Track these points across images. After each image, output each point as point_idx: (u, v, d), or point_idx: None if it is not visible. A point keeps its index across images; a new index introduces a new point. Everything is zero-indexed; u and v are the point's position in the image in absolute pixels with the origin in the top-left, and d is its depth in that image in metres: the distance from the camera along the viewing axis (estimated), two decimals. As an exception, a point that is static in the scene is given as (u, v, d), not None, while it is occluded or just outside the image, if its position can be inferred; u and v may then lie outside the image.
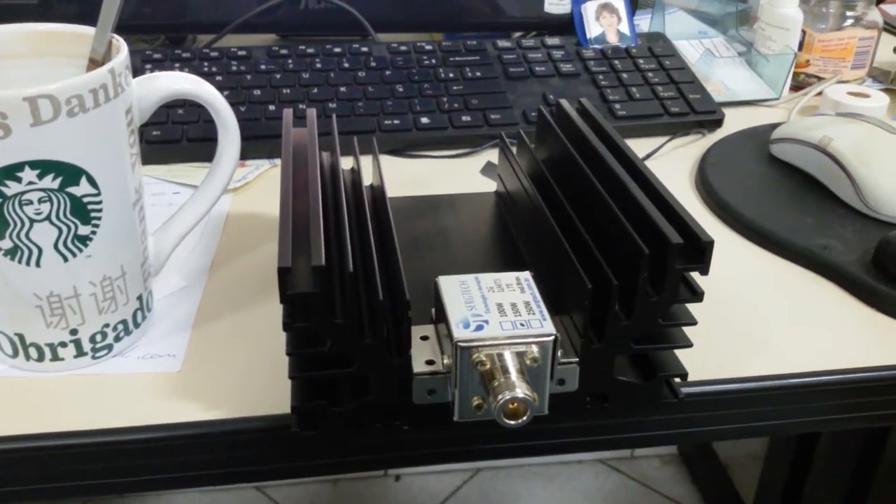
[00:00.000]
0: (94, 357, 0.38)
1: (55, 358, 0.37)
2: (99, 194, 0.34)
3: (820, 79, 0.73)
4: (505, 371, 0.32)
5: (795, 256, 0.48)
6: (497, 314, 0.34)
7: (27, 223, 0.33)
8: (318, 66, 0.65)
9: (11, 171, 0.32)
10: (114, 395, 0.37)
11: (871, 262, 0.46)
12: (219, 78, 0.62)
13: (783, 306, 0.44)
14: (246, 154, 0.58)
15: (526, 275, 0.36)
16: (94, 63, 0.36)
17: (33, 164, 0.32)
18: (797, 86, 0.73)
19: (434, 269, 0.41)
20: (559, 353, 0.34)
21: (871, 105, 0.64)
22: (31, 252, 0.34)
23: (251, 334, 0.41)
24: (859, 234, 0.49)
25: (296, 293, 0.31)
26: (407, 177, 0.58)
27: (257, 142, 0.58)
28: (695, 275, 0.35)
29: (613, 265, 0.34)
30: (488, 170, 0.59)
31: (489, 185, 0.57)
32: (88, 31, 0.37)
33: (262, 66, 0.64)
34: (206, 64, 0.64)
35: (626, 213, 0.36)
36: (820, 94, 0.69)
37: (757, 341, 0.41)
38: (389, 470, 1.25)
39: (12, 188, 0.32)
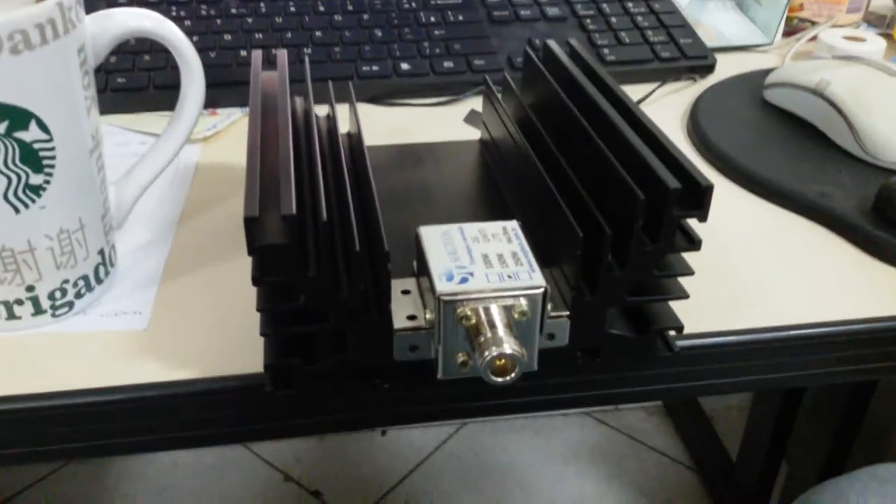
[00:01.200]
0: (53, 315, 0.36)
1: (11, 316, 0.35)
2: (51, 140, 0.31)
3: (814, 23, 0.70)
4: (492, 325, 0.30)
5: (792, 204, 0.46)
6: (483, 266, 0.31)
7: (-28, 172, 0.31)
8: (292, 9, 0.61)
9: (-49, 115, 0.29)
10: (77, 355, 0.35)
11: (871, 209, 0.44)
12: (187, 23, 0.59)
13: (779, 256, 0.42)
14: (216, 102, 0.54)
15: (513, 224, 0.34)
16: (44, -2, 0.33)
17: (-25, 107, 0.29)
18: (790, 31, 0.70)
19: (416, 221, 0.39)
20: (549, 307, 0.32)
21: (867, 49, 0.61)
22: (-22, 203, 0.31)
23: (222, 290, 0.38)
24: (858, 180, 0.47)
25: (265, 244, 0.29)
26: (387, 125, 0.55)
27: (228, 89, 0.55)
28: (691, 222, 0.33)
29: (606, 213, 0.32)
30: (472, 118, 0.56)
31: (473, 134, 0.54)
32: (37, -37, 0.34)
33: (233, 11, 0.61)
34: (174, 8, 0.60)
35: (620, 157, 0.33)
36: (814, 38, 0.66)
37: (753, 292, 0.40)
38: (375, 426, 1.24)
39: (-47, 133, 0.30)
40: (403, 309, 0.33)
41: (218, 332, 0.36)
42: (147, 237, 0.41)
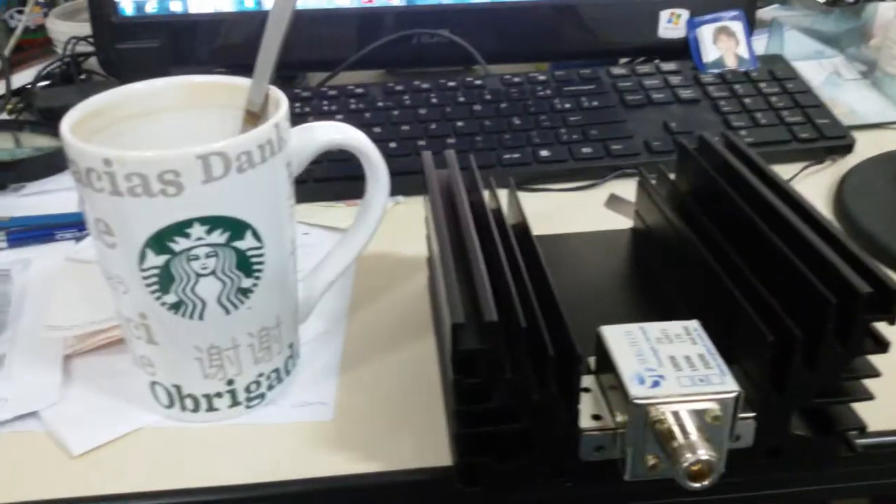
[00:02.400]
0: (247, 406, 0.38)
1: (210, 408, 0.37)
2: (262, 247, 0.34)
3: (953, 98, 0.69)
4: (686, 431, 0.30)
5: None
6: (672, 369, 0.32)
7: (193, 278, 0.33)
8: (434, 100, 0.64)
9: (181, 228, 0.32)
10: (270, 446, 0.37)
11: None
12: (339, 116, 0.63)
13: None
14: (369, 192, 0.57)
15: (695, 324, 0.35)
16: (251, 115, 0.36)
17: (202, 221, 0.32)
18: (928, 106, 0.69)
19: (579, 314, 0.39)
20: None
21: None
22: (195, 306, 0.34)
23: (398, 380, 0.40)
24: None
25: (468, 349, 0.30)
26: (529, 211, 0.56)
27: (381, 179, 0.57)
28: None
29: (790, 314, 0.32)
30: (613, 203, 0.57)
31: (615, 219, 0.55)
32: (242, 82, 0.37)
33: (380, 103, 0.64)
34: (325, 102, 0.64)
35: (801, 257, 0.33)
36: (957, 114, 0.65)
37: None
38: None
39: (181, 244, 0.32)
40: (587, 408, 0.33)
41: (399, 422, 0.37)
42: (322, 327, 0.43)
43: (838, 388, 0.34)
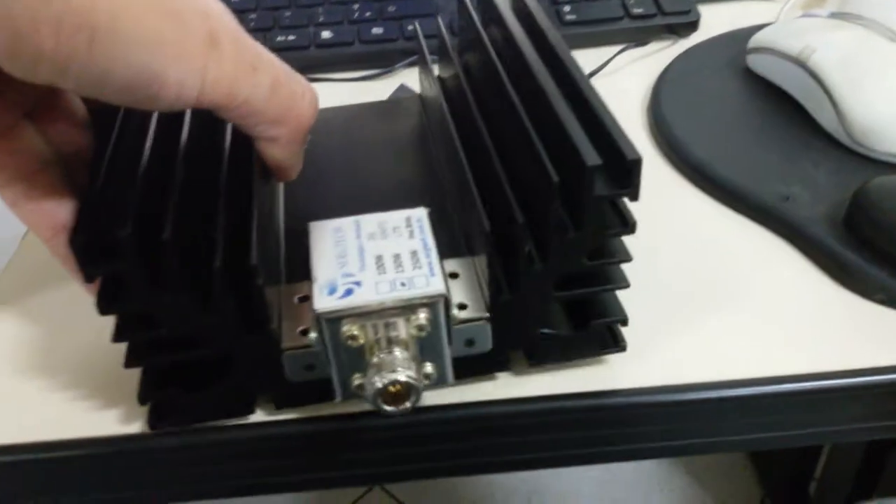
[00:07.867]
0: None
1: None
2: None
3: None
4: (381, 347, 0.28)
5: (748, 210, 0.43)
6: (374, 271, 0.30)
7: None
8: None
9: None
10: None
11: (842, 220, 0.40)
12: None
13: (721, 280, 0.39)
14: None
15: (419, 213, 0.32)
16: None
17: None
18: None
19: (331, 206, 0.36)
20: (455, 313, 0.30)
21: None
22: None
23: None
24: (835, 177, 0.43)
25: (99, 265, 0.27)
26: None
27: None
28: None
29: (525, 197, 0.30)
30: (402, 94, 0.54)
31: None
32: None
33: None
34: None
35: (545, 132, 0.31)
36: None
37: (678, 330, 0.36)
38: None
39: None
40: (299, 322, 0.31)
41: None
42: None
43: (590, 277, 0.32)
